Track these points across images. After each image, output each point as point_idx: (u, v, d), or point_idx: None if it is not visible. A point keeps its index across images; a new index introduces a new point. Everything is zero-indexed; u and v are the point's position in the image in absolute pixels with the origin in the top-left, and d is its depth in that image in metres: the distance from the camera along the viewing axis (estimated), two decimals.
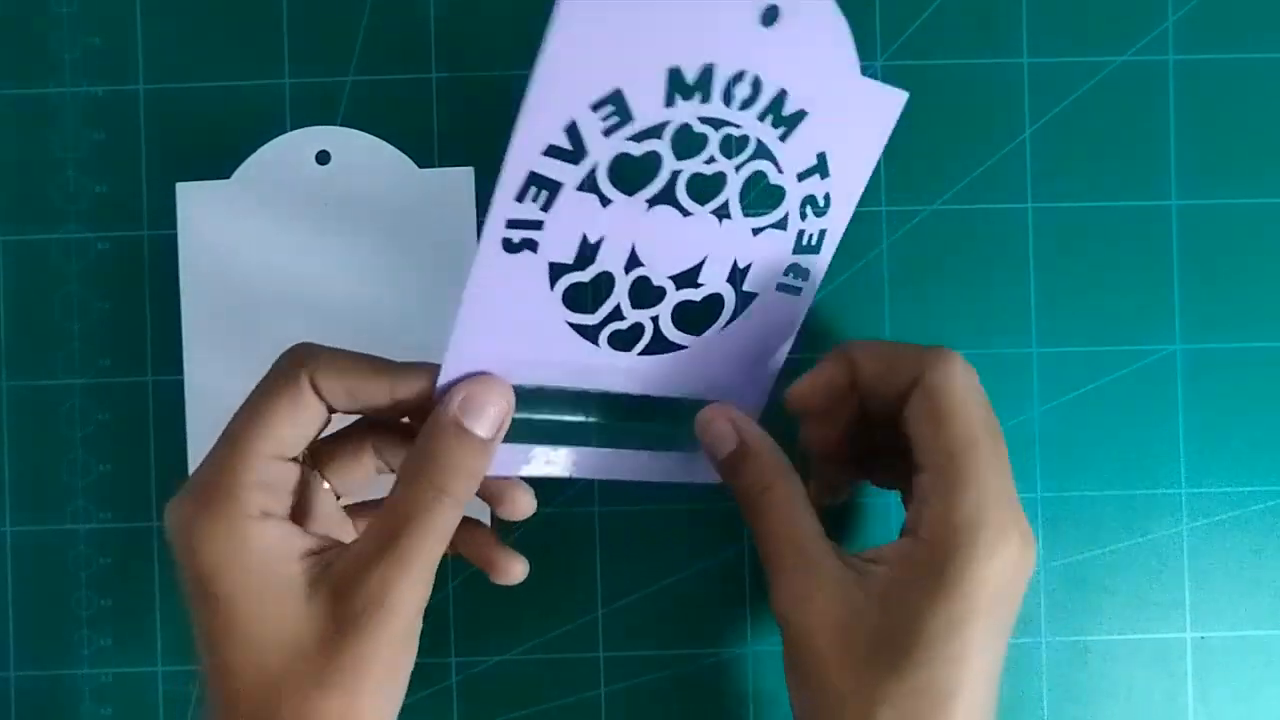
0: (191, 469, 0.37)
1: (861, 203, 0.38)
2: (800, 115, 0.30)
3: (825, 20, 0.28)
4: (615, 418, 0.34)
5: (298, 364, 0.29)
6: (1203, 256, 0.38)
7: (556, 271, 0.30)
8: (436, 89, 0.39)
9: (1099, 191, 0.38)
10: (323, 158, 0.38)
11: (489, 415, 0.29)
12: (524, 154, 0.28)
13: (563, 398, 0.33)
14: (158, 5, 0.39)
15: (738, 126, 0.29)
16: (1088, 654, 0.38)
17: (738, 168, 0.30)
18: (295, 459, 0.30)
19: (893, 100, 0.31)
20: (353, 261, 0.38)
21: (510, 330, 0.30)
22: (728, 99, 0.29)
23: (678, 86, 0.28)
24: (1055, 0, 0.38)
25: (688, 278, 0.32)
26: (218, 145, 0.38)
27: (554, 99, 0.27)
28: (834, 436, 0.33)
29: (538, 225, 0.29)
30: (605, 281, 0.31)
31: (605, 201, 0.29)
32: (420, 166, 0.38)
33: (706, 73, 0.28)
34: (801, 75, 0.29)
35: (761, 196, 0.31)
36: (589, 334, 0.32)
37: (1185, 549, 0.38)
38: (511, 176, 0.28)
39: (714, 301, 0.32)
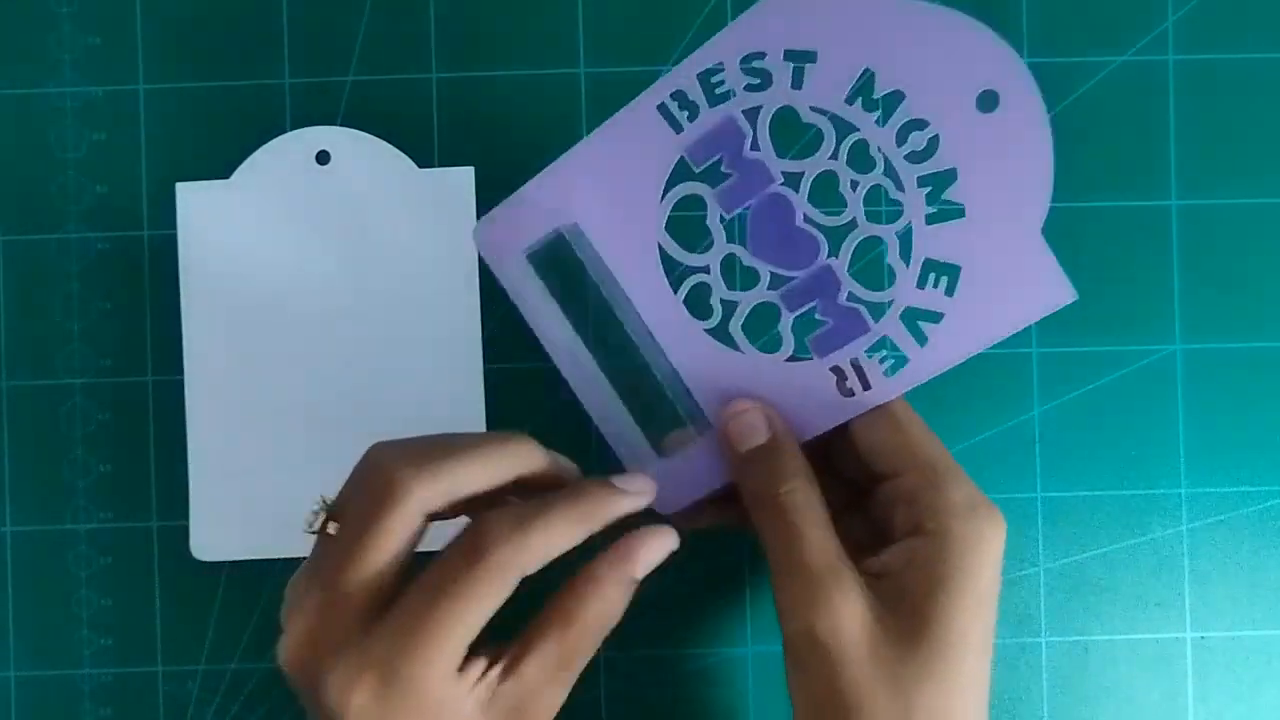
0: (191, 469, 0.37)
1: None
2: (955, 210, 0.30)
3: (1032, 134, 0.30)
4: (627, 363, 0.33)
5: (393, 490, 0.29)
6: (1203, 256, 0.38)
7: (676, 174, 0.31)
8: (436, 89, 0.39)
9: (1099, 191, 0.38)
10: (323, 158, 0.38)
11: (649, 560, 0.30)
12: (722, 47, 0.30)
13: (605, 312, 0.33)
14: (158, 5, 0.39)
15: (894, 180, 0.30)
16: (1088, 654, 0.38)
17: (873, 218, 0.31)
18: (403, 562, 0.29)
19: (1056, 292, 0.30)
20: (353, 261, 0.38)
21: (612, 203, 0.31)
22: (900, 140, 0.30)
23: (863, 90, 0.30)
24: (1055, 0, 0.38)
25: (774, 281, 0.32)
26: (218, 145, 0.38)
27: (762, 24, 0.30)
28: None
29: (694, 111, 0.31)
30: (705, 235, 0.32)
31: (755, 145, 0.31)
32: (420, 166, 0.38)
33: (894, 97, 0.29)
34: (978, 172, 0.30)
35: (870, 258, 0.31)
36: (671, 273, 0.32)
37: (1185, 549, 0.38)
38: (702, 56, 0.30)
39: (775, 333, 0.32)
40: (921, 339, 0.31)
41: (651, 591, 0.38)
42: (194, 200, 0.38)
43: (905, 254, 0.31)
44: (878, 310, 0.31)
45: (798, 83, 0.30)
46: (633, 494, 0.31)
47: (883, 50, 0.29)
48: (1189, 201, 0.38)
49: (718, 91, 0.31)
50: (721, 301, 0.32)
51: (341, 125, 0.38)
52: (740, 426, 0.32)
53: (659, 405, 0.33)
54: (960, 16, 0.30)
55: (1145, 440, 0.38)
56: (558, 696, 0.29)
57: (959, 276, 0.31)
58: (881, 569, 0.30)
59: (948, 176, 0.30)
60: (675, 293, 0.32)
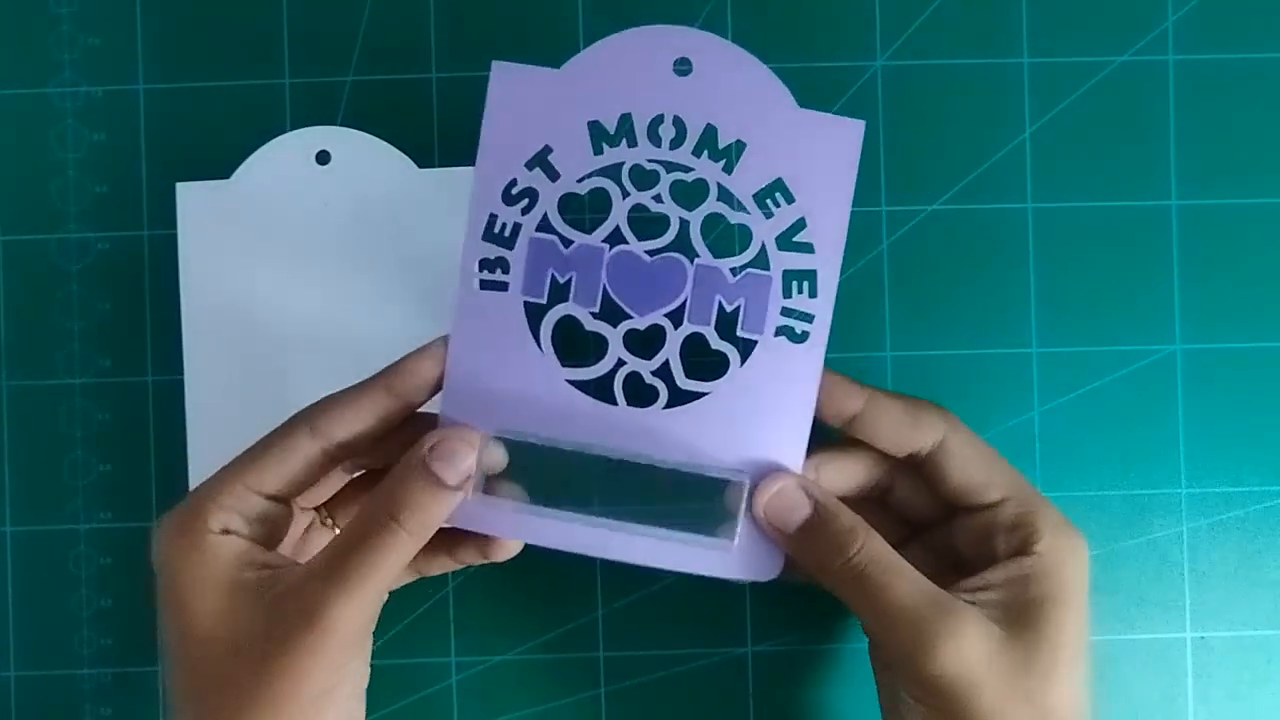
0: (191, 469, 0.37)
1: (861, 203, 0.38)
2: (739, 146, 0.32)
3: (737, 60, 0.31)
4: (636, 492, 0.32)
5: (299, 415, 0.31)
6: (1203, 256, 0.38)
7: (534, 314, 0.32)
8: (436, 89, 0.39)
9: (1099, 191, 0.38)
10: (323, 158, 0.38)
11: (457, 465, 0.30)
12: (482, 200, 0.32)
13: (577, 465, 0.32)
14: (158, 5, 0.39)
15: (685, 170, 0.32)
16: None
17: (690, 208, 0.32)
18: (277, 498, 0.31)
19: (851, 131, 0.32)
20: (353, 261, 0.38)
21: (503, 381, 0.32)
22: (655, 140, 0.32)
23: (601, 136, 0.32)
24: (1055, 0, 0.38)
25: (675, 319, 0.32)
26: (218, 145, 0.38)
27: (496, 159, 0.32)
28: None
29: (504, 265, 0.32)
30: (597, 340, 0.32)
31: (566, 242, 0.32)
32: (420, 166, 0.38)
33: (625, 120, 0.32)
34: (726, 111, 0.32)
35: (728, 238, 0.32)
36: (599, 392, 0.32)
37: (1185, 549, 0.38)
38: (475, 219, 0.32)
39: (715, 353, 0.32)
40: (800, 246, 0.32)
41: (652, 591, 0.38)
42: (194, 200, 0.38)
43: (727, 199, 0.32)
44: (761, 260, 0.32)
45: (553, 175, 0.32)
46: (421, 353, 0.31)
47: (583, 102, 0.32)
48: (1189, 201, 0.38)
49: (506, 235, 0.32)
50: (654, 374, 0.32)
51: (341, 125, 0.38)
52: (779, 505, 0.31)
53: (688, 498, 0.32)
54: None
55: (1145, 440, 0.38)
56: (327, 603, 0.28)
57: (788, 190, 0.32)
58: (984, 587, 0.31)
59: (712, 134, 0.32)
60: (614, 402, 0.32)
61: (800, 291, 0.32)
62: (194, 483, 0.37)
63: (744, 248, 0.32)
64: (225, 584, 0.29)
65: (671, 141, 0.32)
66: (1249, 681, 0.38)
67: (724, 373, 0.32)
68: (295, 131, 0.38)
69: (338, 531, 0.34)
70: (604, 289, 0.32)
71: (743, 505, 0.31)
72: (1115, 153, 0.39)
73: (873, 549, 0.31)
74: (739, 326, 0.32)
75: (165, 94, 0.39)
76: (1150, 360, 0.38)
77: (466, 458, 0.30)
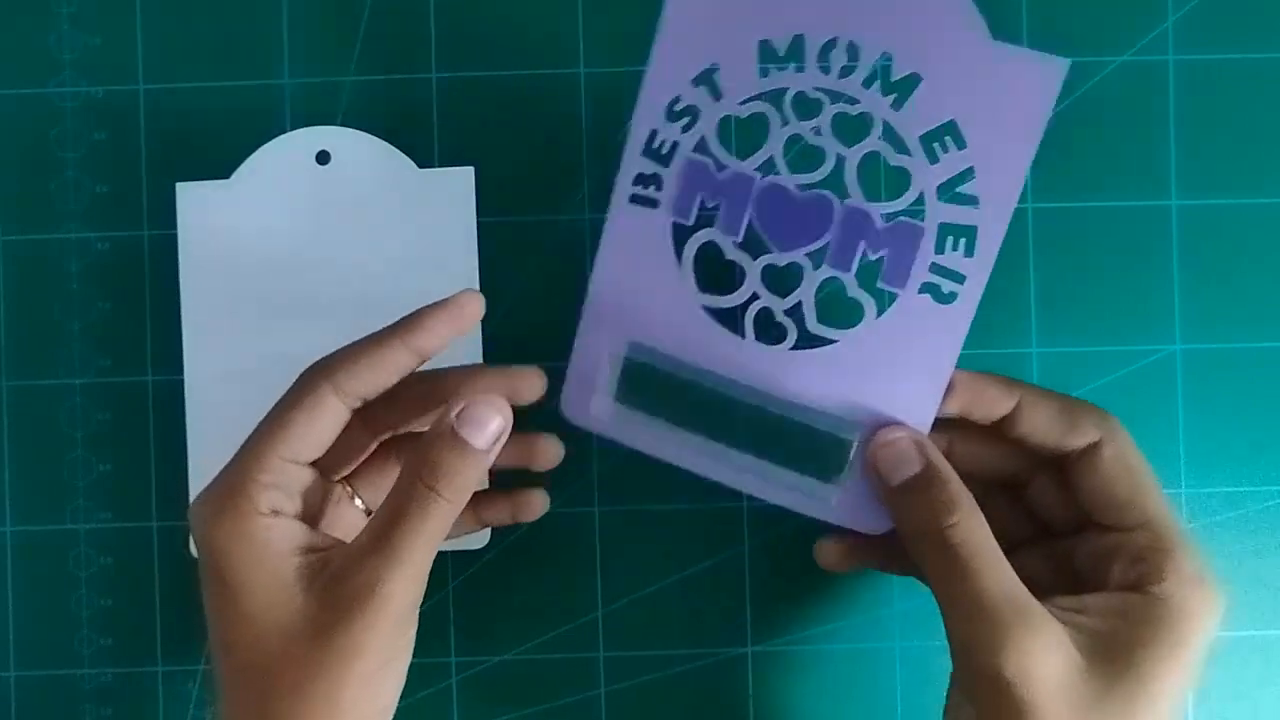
0: (191, 469, 0.37)
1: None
2: (914, 80, 0.29)
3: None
4: (753, 426, 0.32)
5: (316, 372, 0.31)
6: (1203, 256, 0.38)
7: (680, 235, 0.31)
8: (436, 89, 0.39)
9: (1099, 191, 0.38)
10: (323, 158, 0.38)
11: (486, 429, 0.30)
12: (645, 115, 0.31)
13: (700, 391, 0.32)
14: (158, 5, 0.39)
15: (853, 101, 0.30)
16: None
17: (850, 144, 0.30)
18: (312, 465, 0.32)
19: (1050, 72, 0.28)
20: (353, 261, 0.38)
21: (642, 298, 0.32)
22: (825, 67, 0.30)
23: (769, 57, 0.30)
24: (1055, 0, 0.38)
25: (815, 259, 0.31)
26: (218, 145, 0.38)
27: (665, 73, 0.31)
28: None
29: (659, 182, 0.31)
30: (737, 270, 0.32)
31: (720, 166, 0.31)
32: (420, 166, 0.38)
33: (797, 43, 0.30)
34: (907, 38, 0.29)
35: (885, 181, 0.31)
36: (729, 321, 0.32)
37: None
38: (637, 134, 0.31)
39: (851, 300, 0.31)
40: (963, 198, 0.30)
41: (651, 591, 0.38)
42: (194, 200, 0.38)
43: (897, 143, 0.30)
44: (917, 209, 0.30)
45: (716, 95, 0.31)
46: (451, 305, 0.32)
47: (754, 20, 0.30)
48: (1189, 201, 0.38)
49: (663, 153, 0.31)
50: (786, 313, 0.32)
51: (341, 125, 0.38)
52: (890, 456, 0.31)
53: (801, 440, 0.32)
54: None
55: (1145, 440, 0.38)
56: (382, 576, 0.29)
57: (960, 133, 0.30)
58: (1080, 610, 0.30)
59: (887, 63, 0.30)
60: (742, 334, 0.32)
61: (955, 249, 0.30)
62: (194, 483, 0.37)
63: (900, 193, 0.30)
64: (278, 571, 0.29)
65: (842, 70, 0.30)
66: (1249, 681, 0.38)
67: (857, 322, 0.31)
68: (295, 131, 0.38)
69: (360, 503, 0.34)
70: (749, 219, 0.31)
71: (850, 458, 0.31)
72: (1115, 153, 0.38)
73: (970, 527, 0.29)
74: (880, 278, 0.31)
75: (165, 94, 0.39)
76: (1150, 360, 0.38)
77: (495, 423, 0.30)
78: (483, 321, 0.38)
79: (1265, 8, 0.39)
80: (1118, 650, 0.29)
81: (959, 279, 0.30)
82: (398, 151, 0.38)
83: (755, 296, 0.32)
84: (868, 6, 0.29)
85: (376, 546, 0.29)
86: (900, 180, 0.30)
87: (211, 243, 0.38)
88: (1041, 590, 0.30)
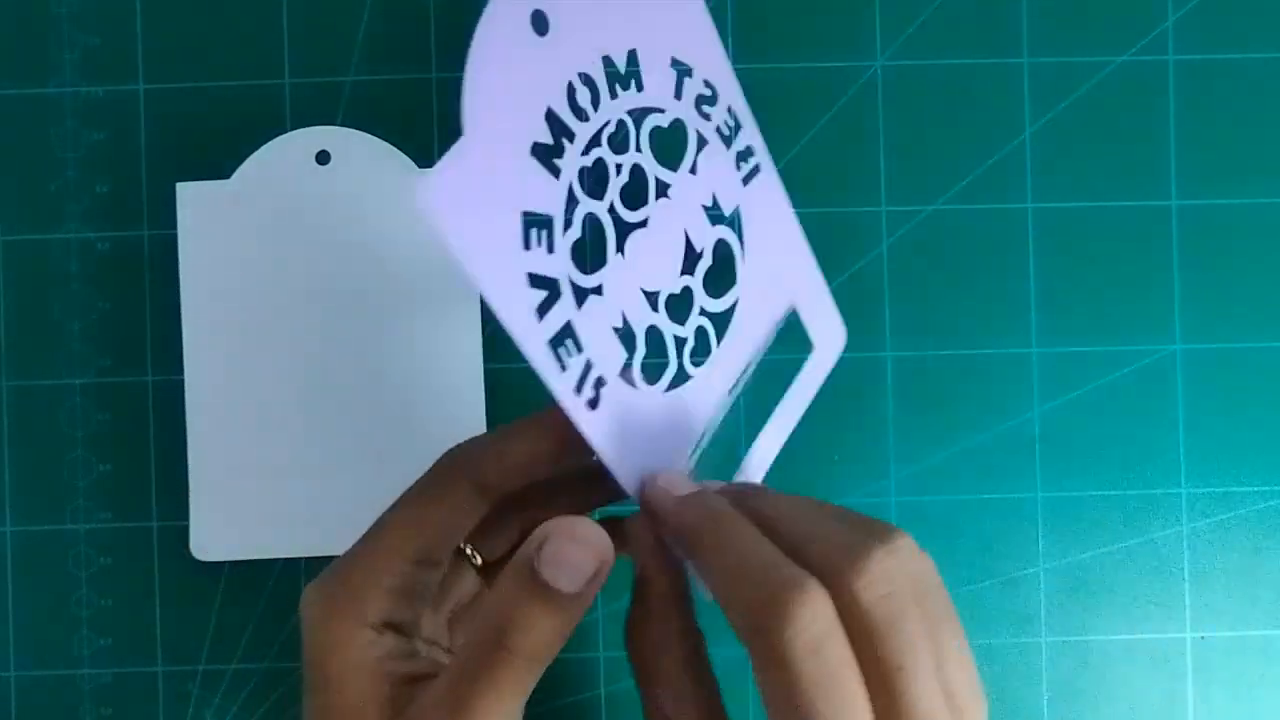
0: (191, 469, 0.37)
1: (861, 203, 0.38)
2: (632, 55, 0.29)
3: None
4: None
5: (457, 468, 0.29)
6: (1203, 256, 0.38)
7: (626, 372, 0.29)
8: (436, 89, 0.39)
9: (1099, 191, 0.38)
10: (323, 158, 0.38)
11: (576, 569, 0.25)
12: (526, 338, 0.26)
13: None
14: (158, 5, 0.39)
15: (607, 123, 0.28)
16: (1088, 654, 0.38)
17: (637, 147, 0.29)
18: (438, 562, 0.29)
19: None
20: (353, 261, 0.38)
21: (640, 432, 0.29)
22: (579, 114, 0.28)
23: (545, 155, 0.27)
24: (1055, 0, 0.38)
25: (691, 258, 0.30)
26: (218, 145, 0.38)
27: (492, 259, 0.26)
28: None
29: (589, 366, 0.28)
30: (654, 335, 0.30)
31: (598, 290, 0.28)
32: (420, 166, 0.38)
33: (552, 119, 0.27)
34: (598, 32, 0.28)
35: (669, 142, 0.30)
36: (680, 378, 0.30)
37: (1185, 549, 0.38)
38: (540, 361, 0.27)
39: (724, 252, 0.31)
40: (709, 99, 0.30)
41: None
42: (194, 200, 0.38)
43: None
44: (705, 146, 0.30)
45: (548, 234, 0.28)
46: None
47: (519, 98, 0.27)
48: (1189, 201, 0.38)
49: (574, 357, 0.28)
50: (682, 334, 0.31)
51: (341, 125, 0.38)
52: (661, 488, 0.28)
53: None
54: None
55: (1145, 440, 0.38)
56: None
57: (678, 60, 0.30)
58: None
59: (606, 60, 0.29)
60: (688, 377, 0.31)
61: (734, 131, 0.31)
62: (194, 483, 0.37)
63: (684, 143, 0.30)
64: (367, 697, 0.27)
65: (593, 104, 0.28)
66: (1249, 681, 0.38)
67: (732, 267, 0.31)
68: (295, 131, 0.38)
69: (479, 560, 0.31)
70: (642, 292, 0.29)
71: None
72: (1115, 153, 0.39)
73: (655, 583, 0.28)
74: (724, 210, 0.31)
75: (165, 94, 0.39)
76: (1150, 360, 0.38)
77: (586, 559, 0.25)
78: (483, 322, 0.38)
79: (1265, 8, 0.39)
80: None
81: (751, 151, 0.31)
82: (398, 151, 0.38)
83: (679, 340, 0.30)
84: (575, 32, 0.28)
85: (452, 707, 0.26)
86: (679, 131, 0.30)
87: (211, 243, 0.38)
88: None
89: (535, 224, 0.27)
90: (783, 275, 0.32)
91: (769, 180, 0.32)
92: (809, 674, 0.23)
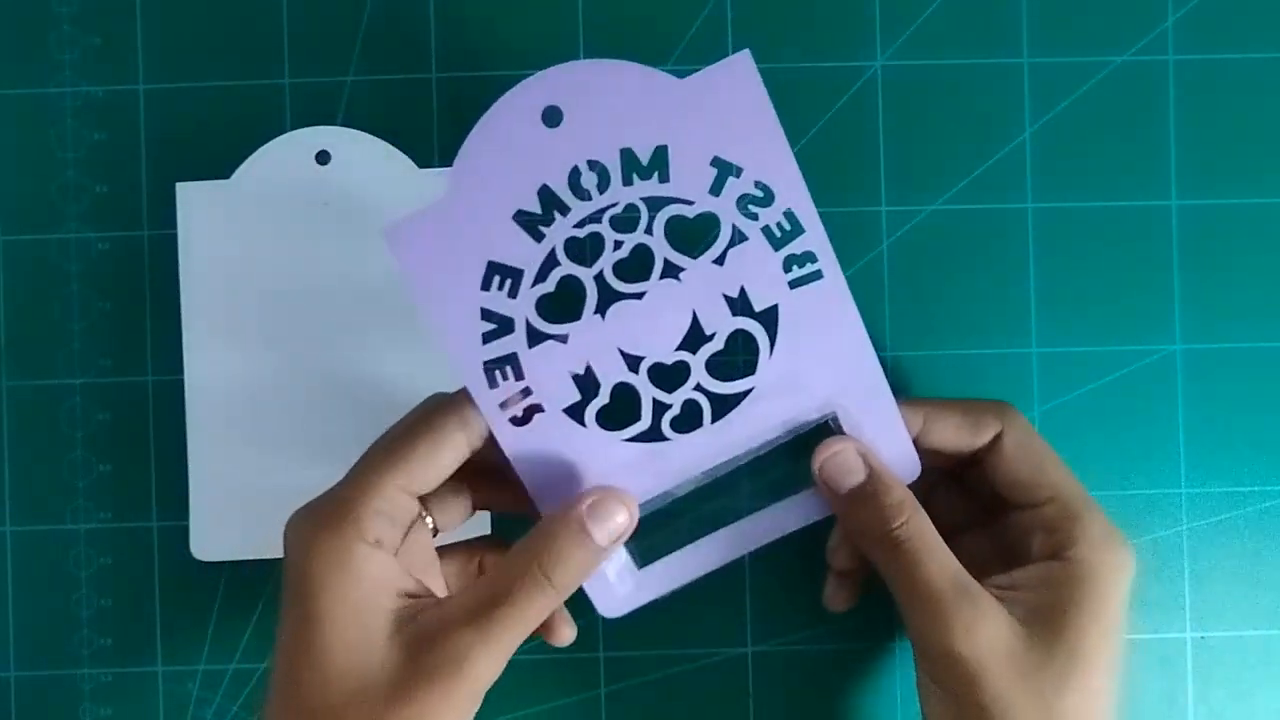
0: (191, 469, 0.37)
1: (861, 203, 0.38)
2: (661, 150, 0.31)
3: (603, 79, 0.31)
4: (725, 491, 0.34)
5: (446, 408, 0.31)
6: (1203, 256, 0.38)
7: (576, 411, 0.32)
8: (436, 89, 0.39)
9: (1099, 191, 0.38)
10: (323, 158, 0.38)
11: (611, 525, 0.30)
12: (461, 353, 0.31)
13: (689, 502, 0.34)
14: (158, 5, 0.39)
15: (614, 205, 0.31)
16: None
17: (648, 229, 0.31)
18: (419, 495, 0.31)
19: (739, 65, 0.30)
20: (353, 261, 0.38)
21: (577, 472, 0.32)
22: (582, 195, 0.31)
23: (530, 223, 0.31)
24: (1055, 0, 0.38)
25: (696, 338, 0.32)
26: (218, 145, 0.38)
27: (447, 305, 0.31)
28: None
29: (527, 392, 0.32)
30: (626, 391, 0.32)
31: (562, 340, 0.32)
32: (420, 166, 0.38)
33: (545, 193, 0.31)
34: (626, 127, 0.31)
35: (696, 232, 0.32)
36: (652, 436, 0.32)
37: (1185, 549, 0.38)
38: (468, 373, 0.31)
39: (745, 339, 0.32)
40: (760, 199, 0.32)
41: None
42: (194, 200, 0.38)
43: None
44: (737, 236, 0.32)
45: (514, 287, 0.31)
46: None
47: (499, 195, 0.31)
48: (1189, 201, 0.38)
49: (511, 368, 0.32)
50: (686, 401, 0.33)
51: (341, 125, 0.38)
52: (835, 466, 0.32)
53: (787, 460, 0.34)
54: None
55: (1145, 440, 0.38)
56: (472, 652, 0.28)
57: (725, 160, 0.31)
58: (1012, 586, 0.32)
59: (629, 154, 0.31)
60: (666, 438, 0.33)
61: (787, 235, 0.32)
62: (194, 483, 0.37)
63: (716, 232, 0.32)
64: (369, 611, 0.29)
65: (599, 187, 0.31)
66: (1249, 681, 0.38)
67: (756, 358, 0.32)
68: (295, 131, 0.38)
69: (430, 522, 0.33)
70: (620, 352, 0.32)
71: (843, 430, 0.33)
72: (1115, 153, 0.38)
73: (916, 525, 0.31)
74: (755, 304, 0.32)
75: (165, 94, 0.39)
76: (1150, 360, 0.38)
77: (619, 521, 0.31)
78: None
79: (1265, 8, 0.39)
80: (1050, 615, 0.31)
81: (811, 257, 0.32)
82: (398, 151, 0.38)
83: (660, 405, 0.32)
84: (584, 122, 0.31)
85: (474, 621, 0.29)
86: (710, 224, 0.32)
87: (211, 243, 0.38)
88: (986, 569, 0.32)
89: (500, 272, 0.31)
90: (822, 383, 0.32)
91: (830, 291, 0.32)
92: None
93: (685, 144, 0.31)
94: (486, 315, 0.31)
